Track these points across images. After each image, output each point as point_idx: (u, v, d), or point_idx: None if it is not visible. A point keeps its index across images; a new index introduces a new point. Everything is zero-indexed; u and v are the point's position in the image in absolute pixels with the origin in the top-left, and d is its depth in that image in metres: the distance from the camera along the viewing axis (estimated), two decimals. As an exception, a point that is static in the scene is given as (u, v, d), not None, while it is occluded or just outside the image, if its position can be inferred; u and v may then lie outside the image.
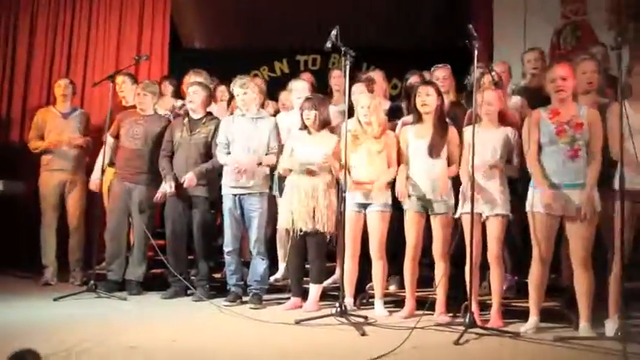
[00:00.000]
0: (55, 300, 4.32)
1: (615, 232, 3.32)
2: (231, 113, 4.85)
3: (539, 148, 3.56)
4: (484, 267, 3.82)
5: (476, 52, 3.56)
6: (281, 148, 4.46)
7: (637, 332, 3.28)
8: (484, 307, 3.80)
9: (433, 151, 3.92)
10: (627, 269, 3.24)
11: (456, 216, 3.84)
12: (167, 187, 4.54)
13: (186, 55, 7.22)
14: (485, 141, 3.71)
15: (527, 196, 3.58)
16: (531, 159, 3.58)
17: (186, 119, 4.70)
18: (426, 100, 3.97)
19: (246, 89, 4.46)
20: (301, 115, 4.32)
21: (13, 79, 6.22)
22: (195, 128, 4.64)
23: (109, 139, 4.93)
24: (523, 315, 3.63)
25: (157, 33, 6.45)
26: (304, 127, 4.34)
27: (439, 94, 4.02)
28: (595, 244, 3.47)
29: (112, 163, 4.97)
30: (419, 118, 4.04)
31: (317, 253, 4.22)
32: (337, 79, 5.01)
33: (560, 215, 3.48)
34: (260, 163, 4.41)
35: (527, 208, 3.56)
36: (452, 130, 3.99)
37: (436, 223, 3.91)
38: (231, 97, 4.89)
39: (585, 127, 3.45)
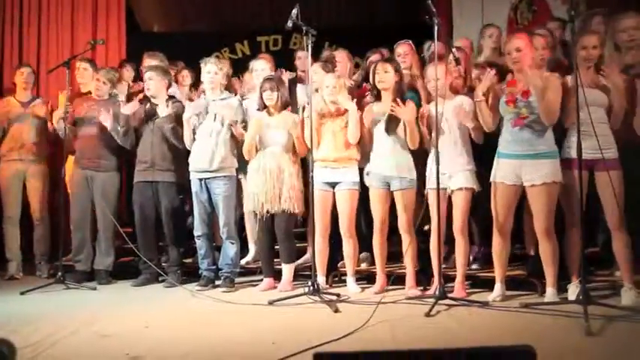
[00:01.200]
0: (21, 294, 4.23)
1: (573, 200, 3.44)
2: (191, 100, 4.79)
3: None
4: (453, 241, 3.90)
5: (436, 29, 3.59)
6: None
7: (597, 295, 3.43)
8: (452, 279, 3.88)
9: (390, 127, 3.94)
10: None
11: (425, 192, 3.88)
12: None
13: (144, 39, 7.06)
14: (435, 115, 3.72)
15: (493, 167, 3.65)
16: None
17: (149, 105, 4.63)
18: (384, 77, 3.98)
19: (219, 70, 4.40)
20: (261, 95, 4.30)
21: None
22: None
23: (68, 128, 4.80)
24: (490, 285, 3.73)
25: (112, 18, 6.30)
26: (264, 107, 4.32)
27: (397, 70, 4.03)
28: (556, 212, 3.57)
29: (72, 152, 4.86)
30: (377, 96, 4.07)
31: (285, 233, 4.23)
32: (302, 60, 4.93)
33: (519, 185, 3.57)
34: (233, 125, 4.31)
35: (492, 179, 3.64)
36: (411, 106, 3.99)
37: (399, 199, 3.95)
38: (194, 81, 4.81)
39: (534, 95, 3.49)
